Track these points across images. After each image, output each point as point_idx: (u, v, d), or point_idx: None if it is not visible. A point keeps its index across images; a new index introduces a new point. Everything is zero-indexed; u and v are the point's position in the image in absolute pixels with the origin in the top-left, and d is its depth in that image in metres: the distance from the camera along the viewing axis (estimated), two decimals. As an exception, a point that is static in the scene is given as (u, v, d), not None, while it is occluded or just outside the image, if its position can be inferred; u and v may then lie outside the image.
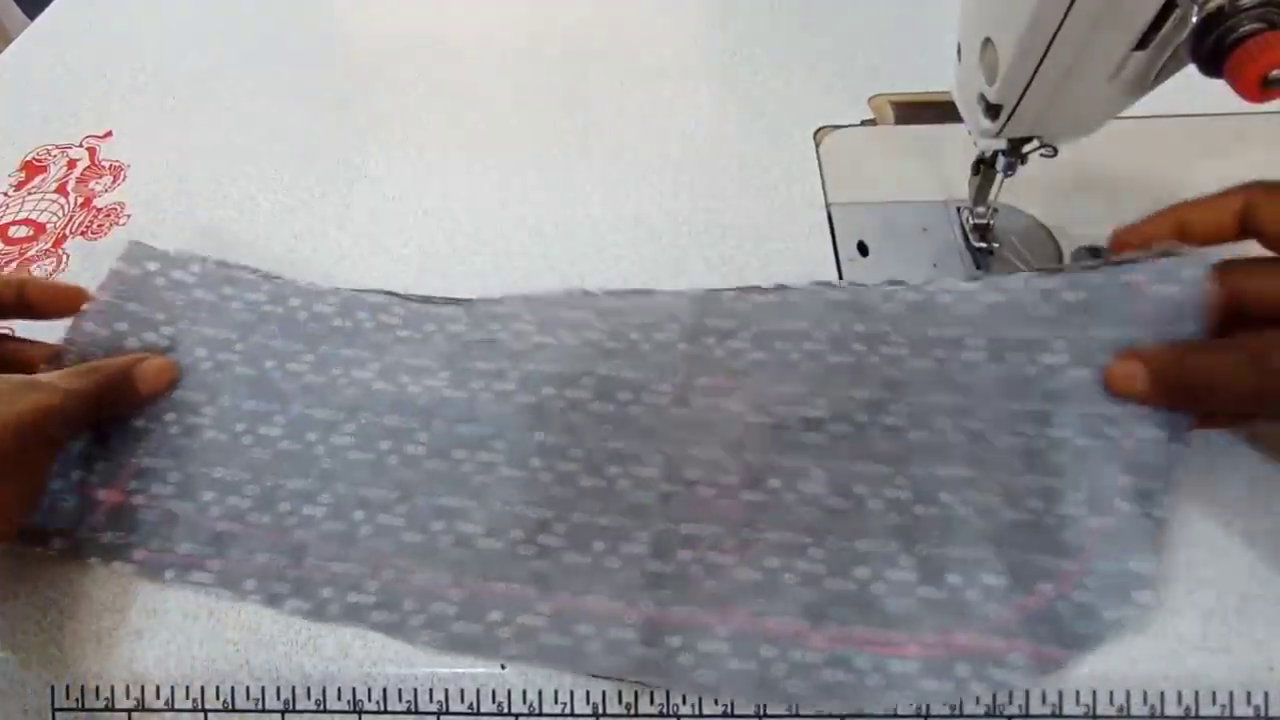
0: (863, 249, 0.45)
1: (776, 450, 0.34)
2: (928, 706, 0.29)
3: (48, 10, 0.70)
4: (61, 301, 0.38)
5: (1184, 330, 0.32)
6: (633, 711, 0.30)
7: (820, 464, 0.34)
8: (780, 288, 0.39)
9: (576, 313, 0.39)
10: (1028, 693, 0.29)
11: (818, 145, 0.51)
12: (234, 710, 0.31)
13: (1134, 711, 0.29)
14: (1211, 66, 0.29)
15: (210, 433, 0.36)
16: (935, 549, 0.31)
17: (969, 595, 0.30)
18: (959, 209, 0.45)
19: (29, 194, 0.52)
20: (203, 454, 0.35)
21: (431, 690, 0.30)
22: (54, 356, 0.37)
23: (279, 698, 0.31)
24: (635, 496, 0.33)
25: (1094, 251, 0.43)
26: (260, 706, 0.31)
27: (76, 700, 0.31)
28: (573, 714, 0.30)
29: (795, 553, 0.31)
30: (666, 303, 0.39)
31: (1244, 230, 0.31)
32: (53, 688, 0.31)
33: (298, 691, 0.31)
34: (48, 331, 0.38)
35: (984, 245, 0.43)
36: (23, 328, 0.40)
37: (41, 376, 0.33)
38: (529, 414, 0.36)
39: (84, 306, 0.38)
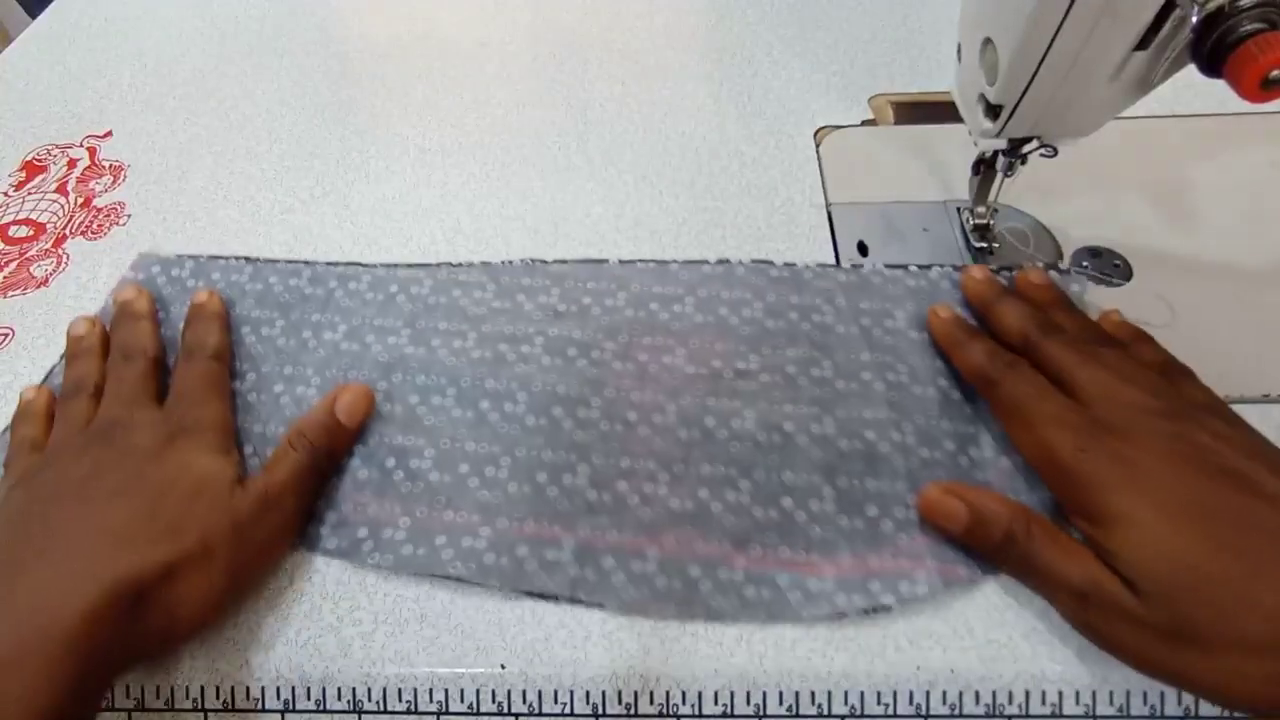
0: (862, 249, 0.45)
1: (711, 395, 0.37)
2: (927, 705, 0.29)
3: (48, 10, 0.70)
4: None
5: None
6: (633, 711, 0.30)
7: (752, 405, 0.36)
8: (724, 262, 0.43)
9: (534, 279, 0.42)
10: (1027, 692, 0.29)
11: (818, 145, 0.51)
12: (234, 710, 0.31)
13: (1134, 711, 0.29)
14: (1211, 67, 0.29)
15: None
16: (855, 482, 0.34)
17: (884, 526, 0.33)
18: (959, 209, 0.45)
19: (29, 194, 0.52)
20: None
21: (431, 690, 0.30)
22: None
23: (279, 698, 0.31)
24: (577, 435, 0.36)
25: (1094, 252, 0.43)
26: (260, 706, 0.31)
27: (76, 700, 0.31)
28: (572, 714, 0.30)
29: (725, 484, 0.34)
30: (618, 272, 0.43)
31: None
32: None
33: (297, 691, 0.31)
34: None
35: (984, 245, 0.43)
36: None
37: (264, 475, 0.33)
38: (481, 365, 0.39)
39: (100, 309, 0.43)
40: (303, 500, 0.34)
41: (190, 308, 0.41)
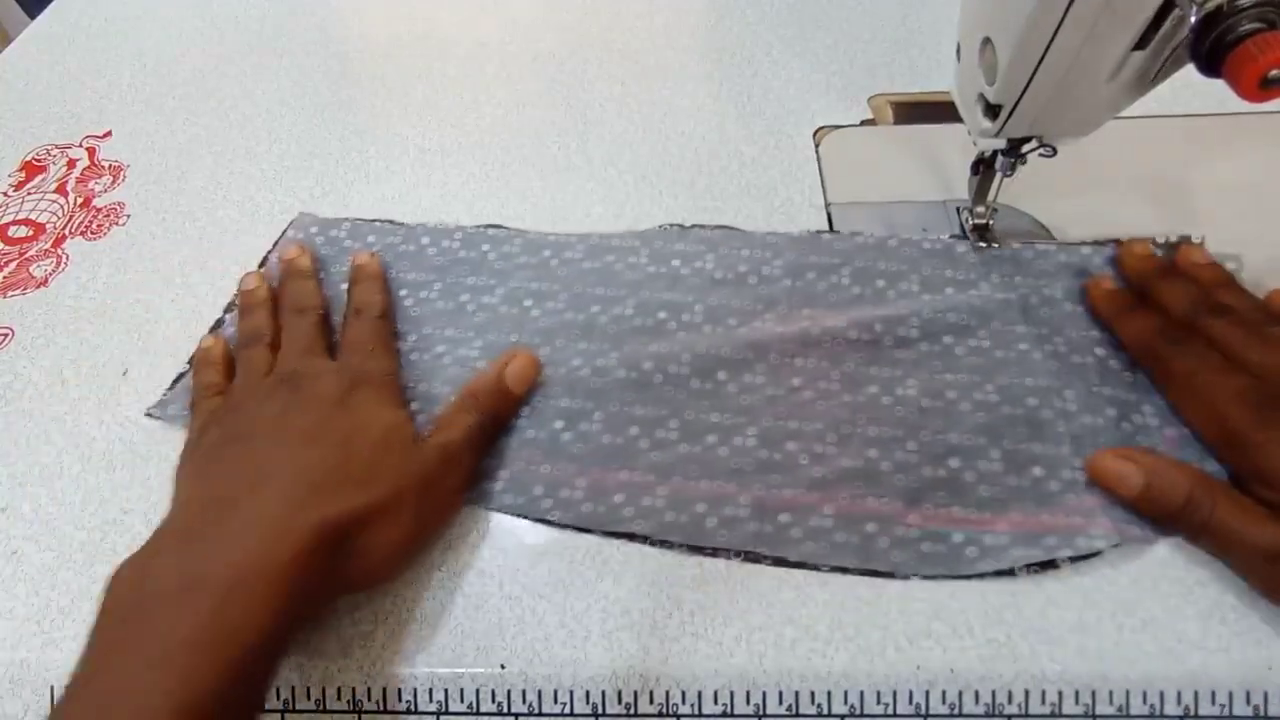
0: (862, 249, 0.44)
1: (873, 363, 0.38)
2: (926, 705, 0.29)
3: (48, 10, 0.70)
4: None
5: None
6: (632, 712, 0.30)
7: (913, 373, 0.38)
8: (874, 236, 0.44)
9: (687, 245, 0.44)
10: (1027, 692, 0.29)
11: (818, 145, 0.51)
12: (234, 710, 0.31)
13: (1134, 711, 0.29)
14: (1211, 66, 0.29)
15: None
16: (1020, 445, 0.35)
17: (1051, 486, 0.33)
18: (958, 209, 0.45)
19: (29, 194, 0.52)
20: None
21: (431, 690, 0.30)
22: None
23: (279, 698, 0.31)
24: (743, 399, 0.37)
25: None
26: (260, 706, 0.31)
27: (76, 700, 0.31)
28: (572, 714, 0.30)
29: (892, 445, 0.35)
30: (771, 240, 0.44)
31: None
32: (52, 688, 0.31)
33: (297, 691, 0.31)
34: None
35: (983, 245, 0.43)
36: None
37: (440, 432, 0.34)
38: (643, 333, 0.40)
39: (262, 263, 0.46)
40: (475, 460, 0.35)
41: (353, 269, 0.43)
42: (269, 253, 0.46)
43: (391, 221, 0.47)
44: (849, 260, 0.42)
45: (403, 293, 0.43)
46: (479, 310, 0.42)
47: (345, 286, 0.43)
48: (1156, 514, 0.31)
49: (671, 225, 0.45)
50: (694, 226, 0.45)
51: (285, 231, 0.47)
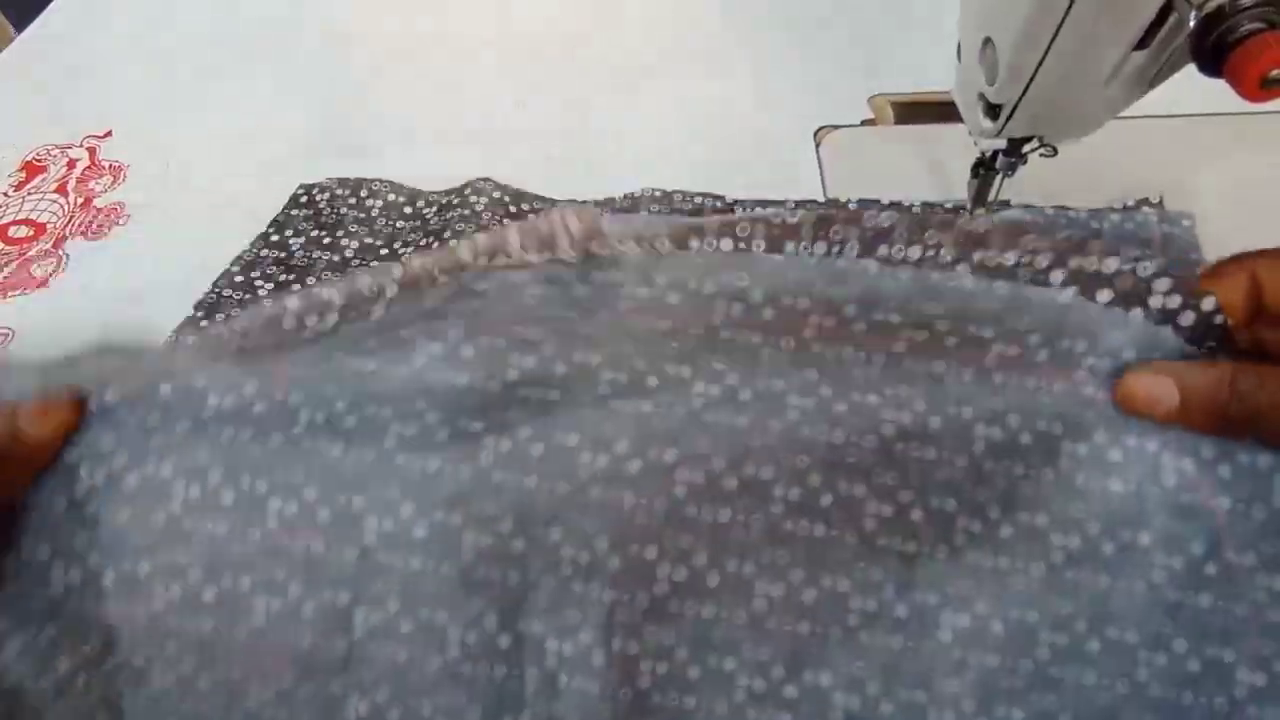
0: (863, 249, 0.44)
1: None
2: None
3: (48, 10, 0.70)
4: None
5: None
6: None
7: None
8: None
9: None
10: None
11: (818, 145, 0.51)
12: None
13: (1134, 711, 0.29)
14: (1211, 66, 0.29)
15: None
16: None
17: None
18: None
19: (29, 194, 0.52)
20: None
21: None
22: None
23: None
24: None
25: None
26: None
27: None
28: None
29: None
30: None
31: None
32: (53, 688, 0.31)
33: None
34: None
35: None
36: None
37: None
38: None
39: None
40: None
41: None
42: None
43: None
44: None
45: (396, 245, 0.45)
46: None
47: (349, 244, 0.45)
48: (1204, 424, 0.23)
49: (654, 190, 0.46)
50: (675, 192, 0.46)
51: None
